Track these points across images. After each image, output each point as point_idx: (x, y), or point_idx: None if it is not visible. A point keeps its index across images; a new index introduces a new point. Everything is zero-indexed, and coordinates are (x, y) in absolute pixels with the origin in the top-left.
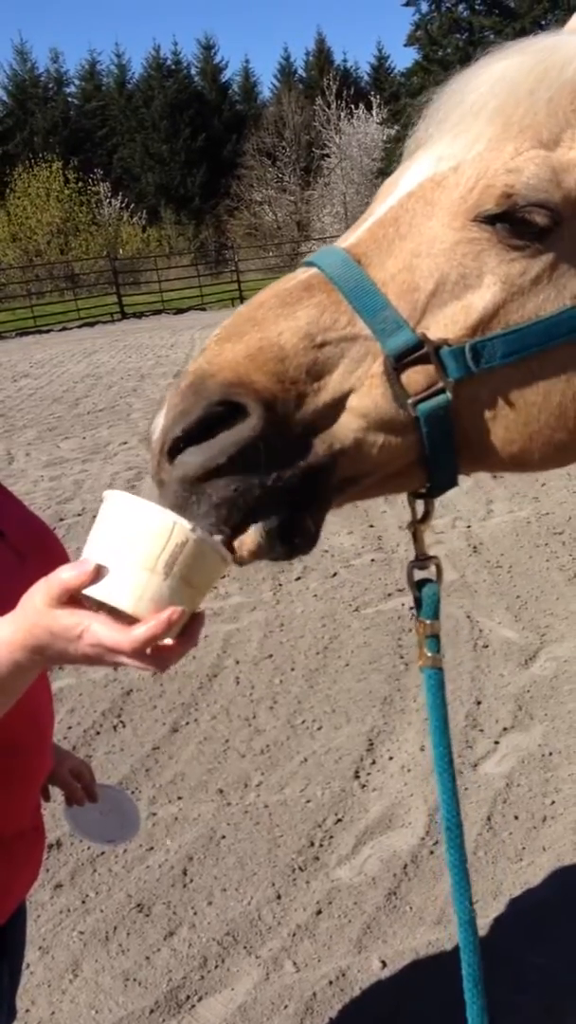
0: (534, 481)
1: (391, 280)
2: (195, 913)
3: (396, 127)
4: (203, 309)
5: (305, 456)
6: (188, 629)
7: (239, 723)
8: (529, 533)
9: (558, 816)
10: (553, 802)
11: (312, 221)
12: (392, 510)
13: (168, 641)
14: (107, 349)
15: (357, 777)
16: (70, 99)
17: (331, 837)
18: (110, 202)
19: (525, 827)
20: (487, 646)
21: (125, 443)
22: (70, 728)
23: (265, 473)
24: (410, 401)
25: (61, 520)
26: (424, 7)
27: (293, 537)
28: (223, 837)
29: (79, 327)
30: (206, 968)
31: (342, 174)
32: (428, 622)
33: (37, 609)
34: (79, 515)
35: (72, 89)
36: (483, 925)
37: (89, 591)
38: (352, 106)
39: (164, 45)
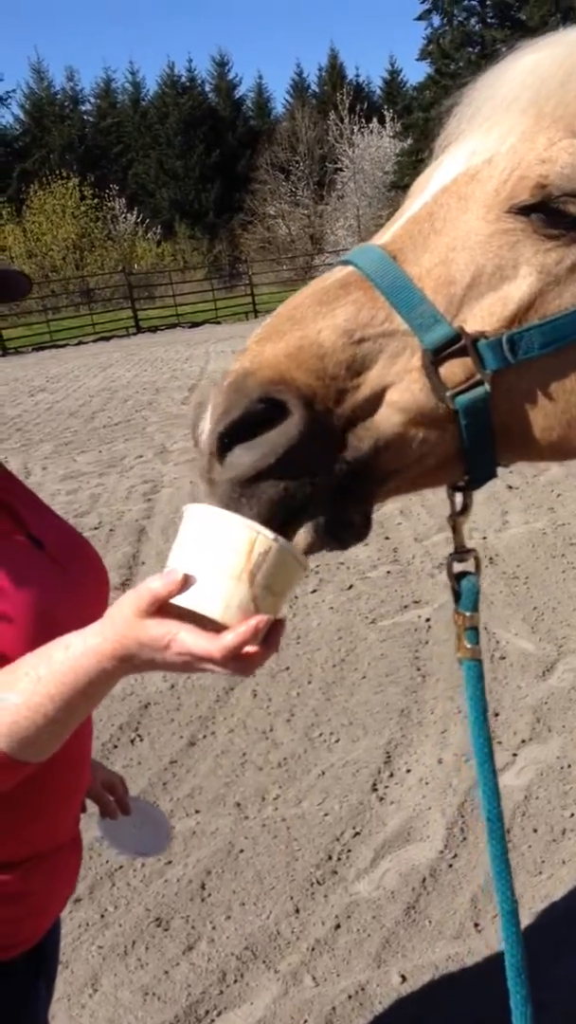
0: (550, 492)
1: (427, 275)
2: (213, 927)
3: (409, 140)
4: (217, 323)
5: (348, 451)
6: (270, 635)
7: (256, 736)
8: (545, 544)
9: None
10: (573, 815)
11: (326, 234)
12: (407, 522)
13: (253, 648)
14: (122, 363)
15: (375, 790)
16: (86, 116)
17: (349, 851)
18: (125, 217)
19: (544, 840)
20: (504, 658)
21: (141, 456)
22: None
23: (313, 471)
24: (449, 394)
25: None
26: (436, 21)
27: (341, 531)
28: (241, 851)
29: (94, 341)
30: (225, 983)
31: (355, 187)
32: (468, 614)
33: (126, 619)
34: (96, 528)
35: (88, 107)
36: (502, 940)
37: (178, 600)
38: (365, 120)
39: (179, 62)
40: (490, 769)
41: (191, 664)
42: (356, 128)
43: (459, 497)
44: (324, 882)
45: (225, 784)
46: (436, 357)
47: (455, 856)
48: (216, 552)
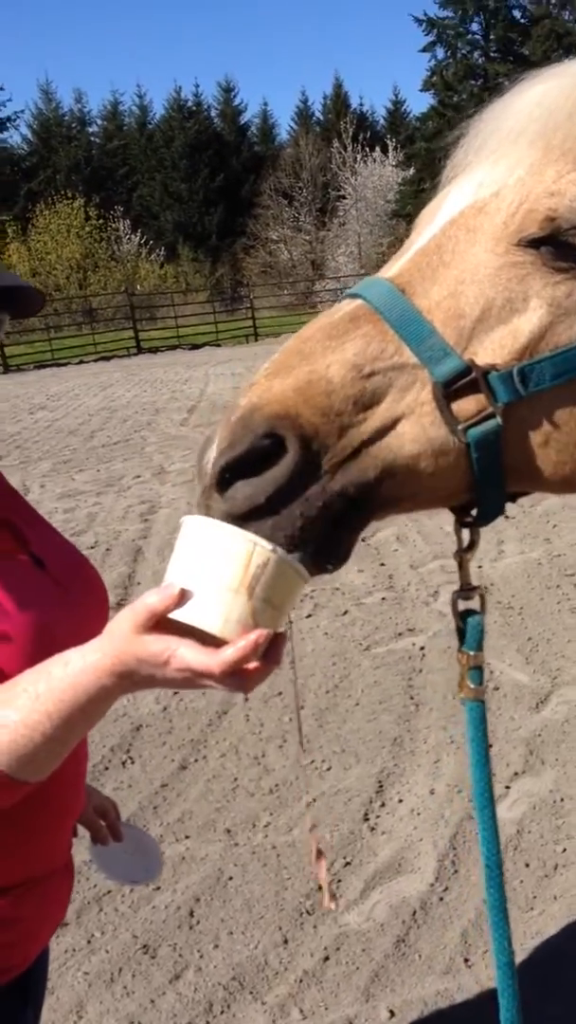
0: (546, 522)
1: (436, 307)
2: (201, 956)
3: (411, 170)
4: (218, 345)
5: (349, 481)
6: (271, 649)
7: (248, 761)
8: (540, 575)
9: (570, 864)
10: (565, 850)
11: (327, 260)
12: (404, 548)
13: (253, 663)
14: (123, 383)
15: (366, 819)
16: (92, 138)
17: (339, 881)
18: (129, 239)
19: (536, 875)
20: (498, 688)
21: (139, 477)
22: None
23: (303, 507)
24: (460, 427)
25: None
26: (440, 53)
27: (328, 559)
28: (230, 878)
29: (95, 361)
30: (211, 1014)
31: (357, 215)
32: (472, 653)
33: (124, 635)
34: (92, 547)
35: (95, 128)
36: (493, 975)
37: (175, 615)
38: (368, 149)
39: (185, 87)
40: (490, 814)
41: (191, 680)
42: (359, 156)
43: (466, 533)
44: (313, 912)
45: (216, 809)
46: (447, 390)
47: (446, 889)
48: (213, 565)
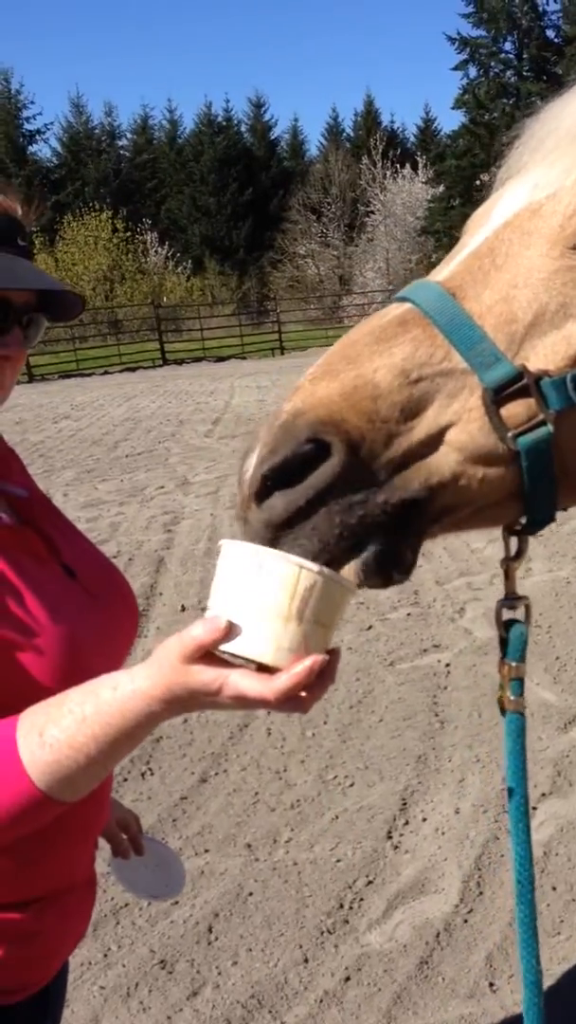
0: (574, 540)
1: (488, 312)
2: (219, 973)
3: (441, 187)
4: (243, 358)
5: (395, 490)
6: (325, 667)
7: (269, 776)
8: (569, 593)
9: None
10: None
11: (354, 275)
12: (429, 564)
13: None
14: (147, 394)
15: (390, 838)
16: (122, 151)
17: (361, 900)
18: (156, 251)
19: (564, 899)
20: (525, 708)
21: (162, 487)
22: None
23: (348, 512)
24: (510, 435)
25: None
26: (472, 72)
27: (389, 567)
28: (250, 894)
29: (120, 371)
30: None
31: (385, 231)
32: (514, 665)
33: (173, 665)
34: (115, 557)
35: (124, 142)
36: (518, 1001)
37: (225, 647)
38: (398, 166)
39: (216, 102)
40: (524, 828)
41: (245, 706)
42: (388, 173)
43: (514, 541)
44: (335, 931)
45: (236, 824)
46: (497, 396)
47: (470, 911)
48: (260, 592)
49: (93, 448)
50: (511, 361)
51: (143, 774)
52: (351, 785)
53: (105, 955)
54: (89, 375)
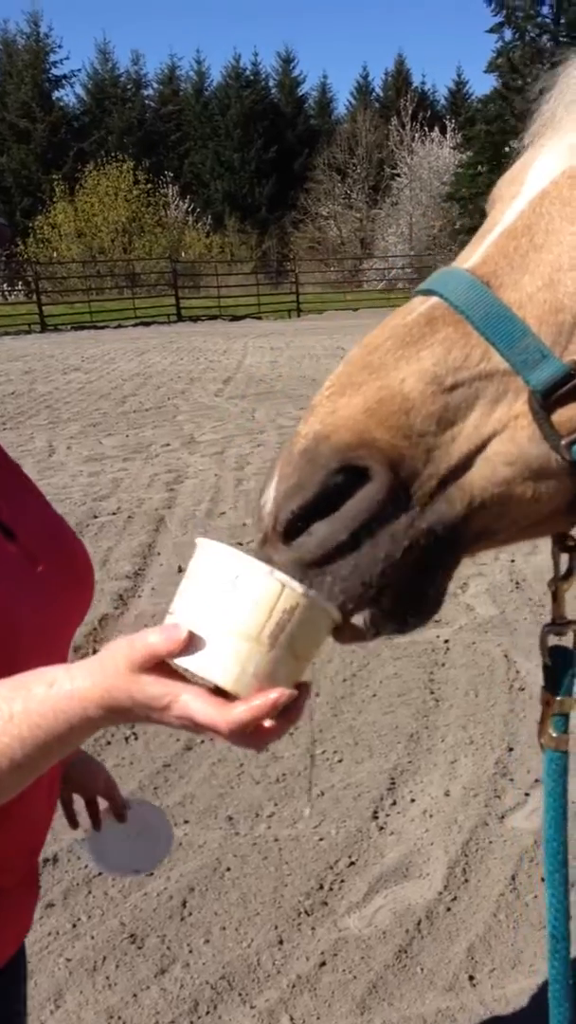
0: None
1: (529, 301)
2: (190, 951)
3: (469, 152)
4: (259, 318)
5: (435, 517)
6: (291, 704)
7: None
8: (570, 589)
9: None
10: None
11: (376, 240)
12: None
13: (268, 722)
14: (159, 350)
15: (375, 818)
16: (147, 102)
17: (342, 881)
18: (177, 205)
19: None
20: (523, 689)
21: (168, 445)
22: None
23: (391, 545)
24: (564, 442)
25: (95, 517)
26: (508, 35)
27: (410, 610)
28: (228, 869)
29: (134, 326)
30: (196, 1013)
31: (410, 195)
32: (559, 700)
33: (119, 671)
34: (114, 514)
35: (150, 92)
36: (498, 997)
37: (180, 661)
38: (427, 129)
39: (244, 55)
40: (562, 880)
41: (193, 730)
42: (417, 136)
43: (565, 559)
44: (312, 913)
45: (218, 795)
46: (546, 400)
47: (454, 899)
48: (232, 606)
49: (101, 402)
50: (560, 358)
51: (127, 738)
52: (339, 761)
53: (74, 925)
54: (103, 328)
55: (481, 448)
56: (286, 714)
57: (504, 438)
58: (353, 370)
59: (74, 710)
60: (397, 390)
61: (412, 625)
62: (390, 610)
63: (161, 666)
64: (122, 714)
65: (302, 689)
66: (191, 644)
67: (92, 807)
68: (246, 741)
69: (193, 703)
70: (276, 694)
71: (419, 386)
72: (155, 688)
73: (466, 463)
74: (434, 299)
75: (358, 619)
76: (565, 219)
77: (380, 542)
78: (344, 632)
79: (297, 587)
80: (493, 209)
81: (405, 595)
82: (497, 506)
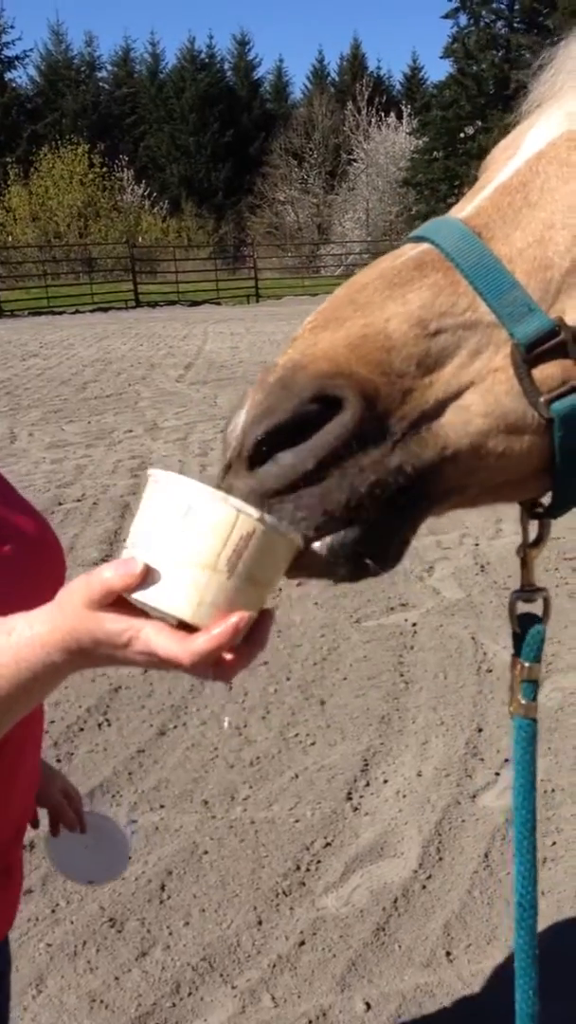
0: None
1: (519, 256)
2: (171, 933)
3: (425, 138)
4: (218, 303)
5: (407, 460)
6: (255, 631)
7: (229, 731)
8: (539, 556)
9: (559, 859)
10: (554, 843)
11: (333, 225)
12: None
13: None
14: (119, 335)
15: (349, 799)
16: (101, 84)
17: (319, 862)
18: (133, 189)
19: None
20: (491, 670)
21: (130, 431)
22: (53, 723)
23: (360, 477)
24: (542, 399)
25: (60, 504)
26: (463, 20)
27: (367, 555)
28: (205, 852)
29: (92, 311)
30: (178, 995)
31: (367, 180)
32: (528, 665)
33: (77, 611)
34: (79, 500)
35: (104, 74)
36: (475, 972)
37: (137, 595)
38: (383, 114)
39: (199, 37)
40: (530, 848)
41: (158, 665)
42: (373, 121)
43: (534, 526)
44: (290, 893)
45: (193, 779)
46: (529, 354)
47: (429, 877)
48: (187, 536)
49: (61, 388)
50: (546, 313)
51: (100, 724)
52: (312, 744)
53: (53, 911)
54: (60, 313)
55: (456, 396)
56: (249, 643)
57: (481, 389)
58: (338, 305)
59: (37, 656)
60: (381, 328)
61: (368, 572)
62: (351, 542)
63: (121, 603)
64: (85, 656)
65: (264, 616)
66: (148, 577)
67: (58, 810)
68: (212, 673)
69: (155, 637)
70: (236, 618)
71: (403, 327)
72: (115, 624)
73: (439, 409)
74: (425, 245)
75: (319, 546)
76: (560, 179)
77: (348, 473)
78: (302, 562)
79: (253, 512)
80: (487, 171)
81: (369, 532)
82: (470, 459)
